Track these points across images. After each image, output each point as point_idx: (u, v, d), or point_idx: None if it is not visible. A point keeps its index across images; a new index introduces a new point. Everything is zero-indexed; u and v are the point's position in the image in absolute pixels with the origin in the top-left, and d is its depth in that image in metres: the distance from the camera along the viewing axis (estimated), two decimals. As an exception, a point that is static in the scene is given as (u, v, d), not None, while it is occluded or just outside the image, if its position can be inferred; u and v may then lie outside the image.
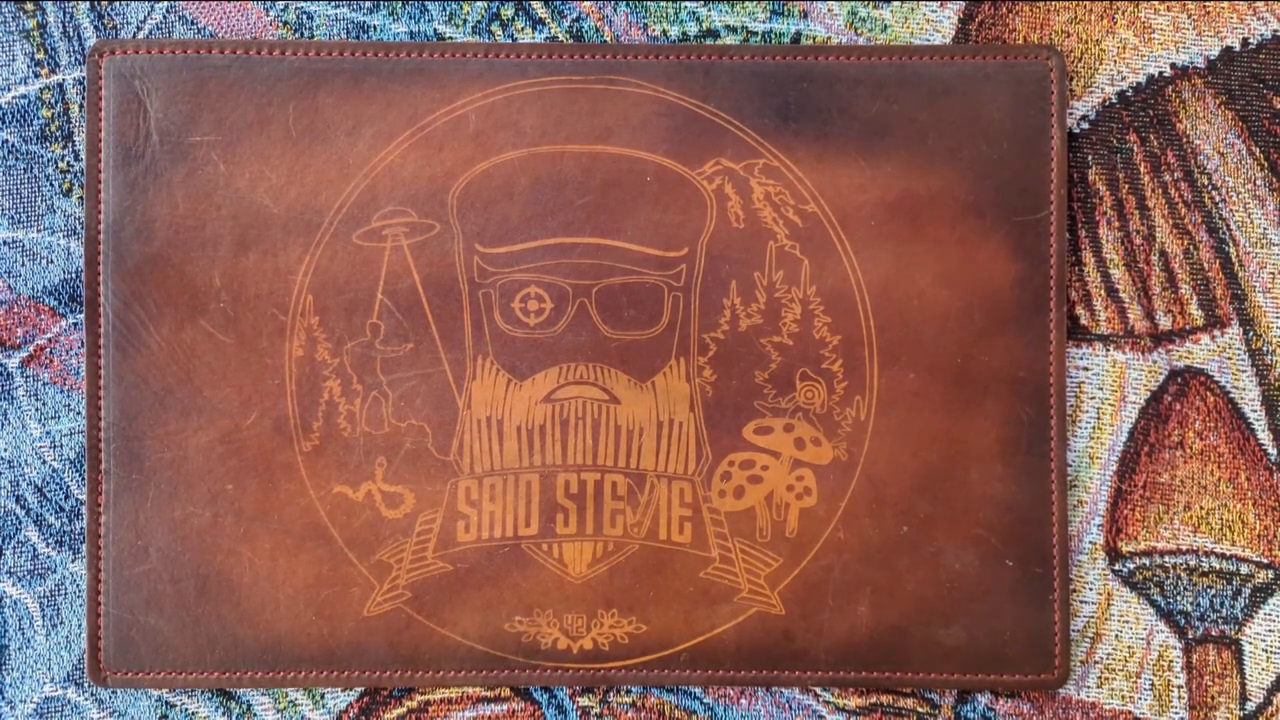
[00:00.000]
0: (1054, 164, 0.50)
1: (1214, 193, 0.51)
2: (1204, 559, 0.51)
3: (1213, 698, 0.51)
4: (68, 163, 0.50)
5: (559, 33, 0.51)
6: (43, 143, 0.50)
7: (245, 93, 0.49)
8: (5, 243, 0.50)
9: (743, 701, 0.50)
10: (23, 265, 0.50)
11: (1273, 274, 0.51)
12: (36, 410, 0.50)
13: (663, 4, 0.51)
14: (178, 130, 0.49)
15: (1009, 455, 0.49)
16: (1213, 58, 0.51)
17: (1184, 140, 0.51)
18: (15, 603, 0.50)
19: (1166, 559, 0.51)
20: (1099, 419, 0.51)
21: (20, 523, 0.50)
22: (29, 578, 0.50)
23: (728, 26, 0.51)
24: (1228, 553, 0.51)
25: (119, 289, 0.49)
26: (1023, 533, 0.49)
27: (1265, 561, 0.51)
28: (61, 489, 0.50)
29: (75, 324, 0.50)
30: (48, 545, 0.50)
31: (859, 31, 0.51)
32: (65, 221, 0.50)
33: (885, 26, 0.51)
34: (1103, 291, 0.51)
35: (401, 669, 0.49)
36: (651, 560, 0.49)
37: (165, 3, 0.50)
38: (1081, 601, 0.50)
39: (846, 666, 0.49)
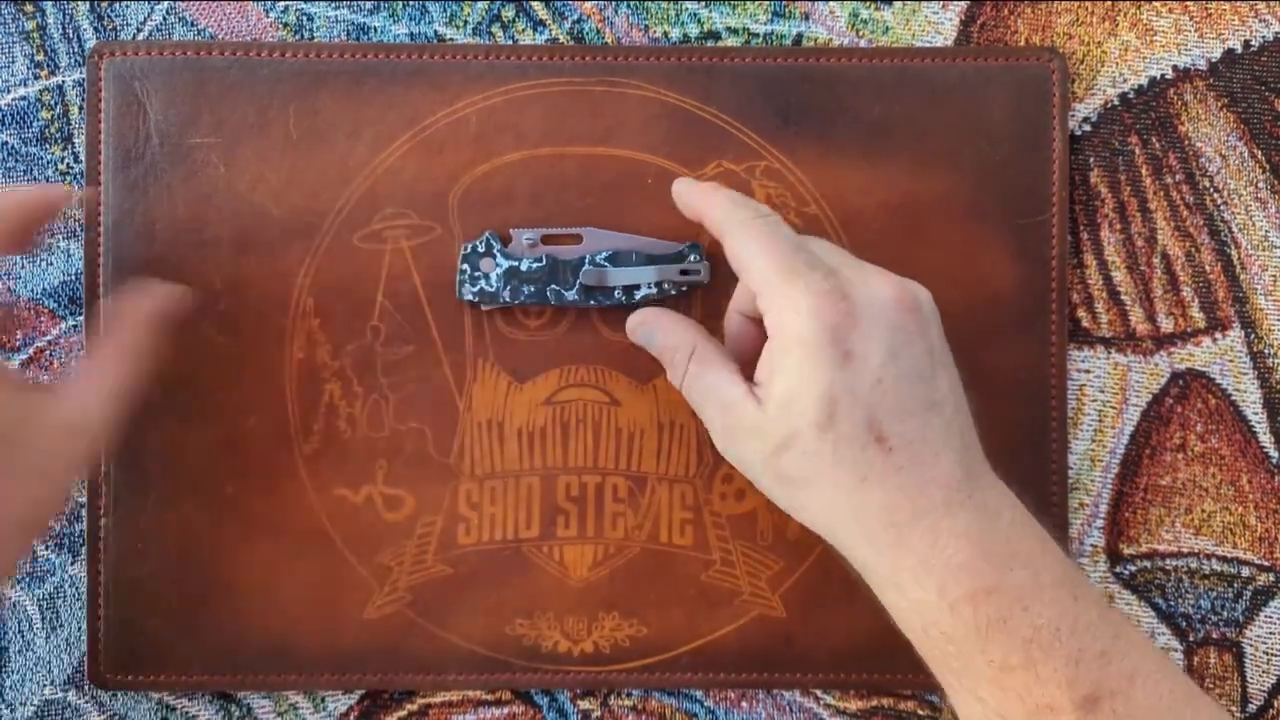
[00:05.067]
0: (1055, 166, 0.50)
1: (1216, 195, 0.51)
2: (1205, 561, 0.51)
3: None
4: (67, 165, 0.50)
5: (560, 34, 0.51)
6: (42, 144, 0.50)
7: (245, 94, 0.49)
8: (5, 245, 0.50)
9: (743, 704, 0.50)
10: (23, 267, 0.50)
11: (1275, 277, 0.51)
12: (36, 412, 0.50)
13: (664, 5, 0.51)
14: (178, 132, 0.49)
15: (1010, 457, 0.49)
16: (1214, 60, 0.51)
17: (1186, 142, 0.51)
18: (15, 605, 0.50)
19: (1168, 562, 0.51)
20: (1100, 421, 0.51)
21: (20, 525, 0.50)
22: (29, 580, 0.50)
23: (729, 28, 0.51)
24: (1229, 555, 0.51)
25: (119, 291, 0.49)
26: (1024, 536, 0.49)
27: (1266, 564, 0.51)
28: (61, 491, 0.50)
29: (75, 326, 0.50)
30: (47, 548, 0.50)
31: (860, 33, 0.51)
32: (65, 223, 0.50)
33: (887, 28, 0.51)
34: (1104, 294, 0.51)
35: (402, 672, 0.49)
36: (652, 563, 0.49)
37: (165, 4, 0.50)
38: (1083, 605, 0.50)
39: (847, 669, 0.49)
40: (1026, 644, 0.37)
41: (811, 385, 0.39)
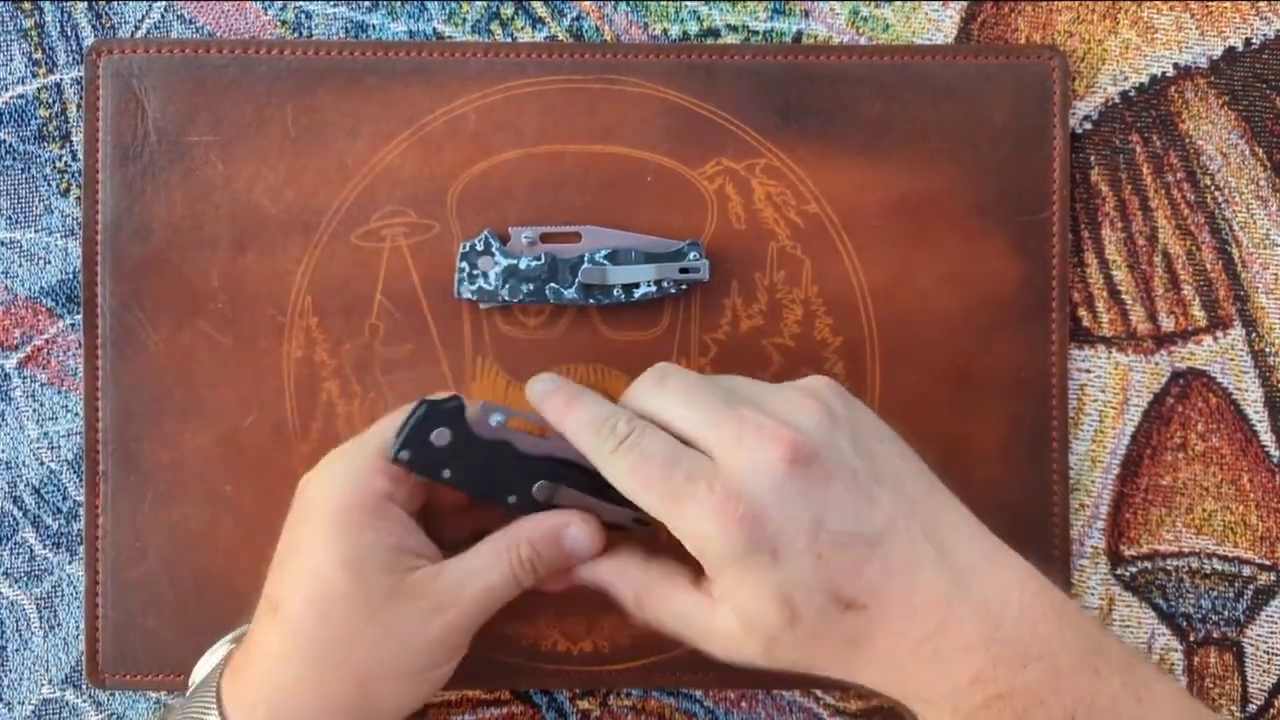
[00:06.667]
0: (1056, 164, 0.50)
1: (1217, 193, 0.51)
2: (1206, 561, 0.50)
3: (1213, 700, 0.50)
4: (65, 163, 0.50)
5: (559, 32, 0.51)
6: (40, 142, 0.50)
7: (243, 92, 0.49)
8: (3, 243, 0.50)
9: (743, 704, 0.50)
10: (20, 265, 0.50)
11: (1275, 275, 0.51)
12: (34, 411, 0.50)
13: (663, 3, 0.51)
14: (176, 130, 0.49)
15: (1010, 458, 0.49)
16: (1215, 58, 0.51)
17: (1187, 141, 0.51)
18: (13, 604, 0.50)
19: (1169, 562, 0.50)
20: (1101, 421, 0.51)
21: (18, 524, 0.50)
22: (26, 579, 0.50)
23: (729, 25, 0.51)
24: (1230, 555, 0.50)
25: (117, 289, 0.48)
26: (1024, 536, 0.49)
27: (1267, 563, 0.50)
28: (59, 490, 0.50)
29: (73, 325, 0.50)
30: (45, 547, 0.50)
31: (861, 31, 0.51)
32: (63, 221, 0.50)
33: (887, 26, 0.51)
34: (1105, 293, 0.51)
35: (400, 671, 0.49)
36: (652, 562, 0.49)
37: (163, 2, 0.50)
38: (1084, 606, 0.50)
39: (847, 669, 0.49)
40: None
41: (760, 598, 0.37)
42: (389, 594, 0.39)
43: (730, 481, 0.37)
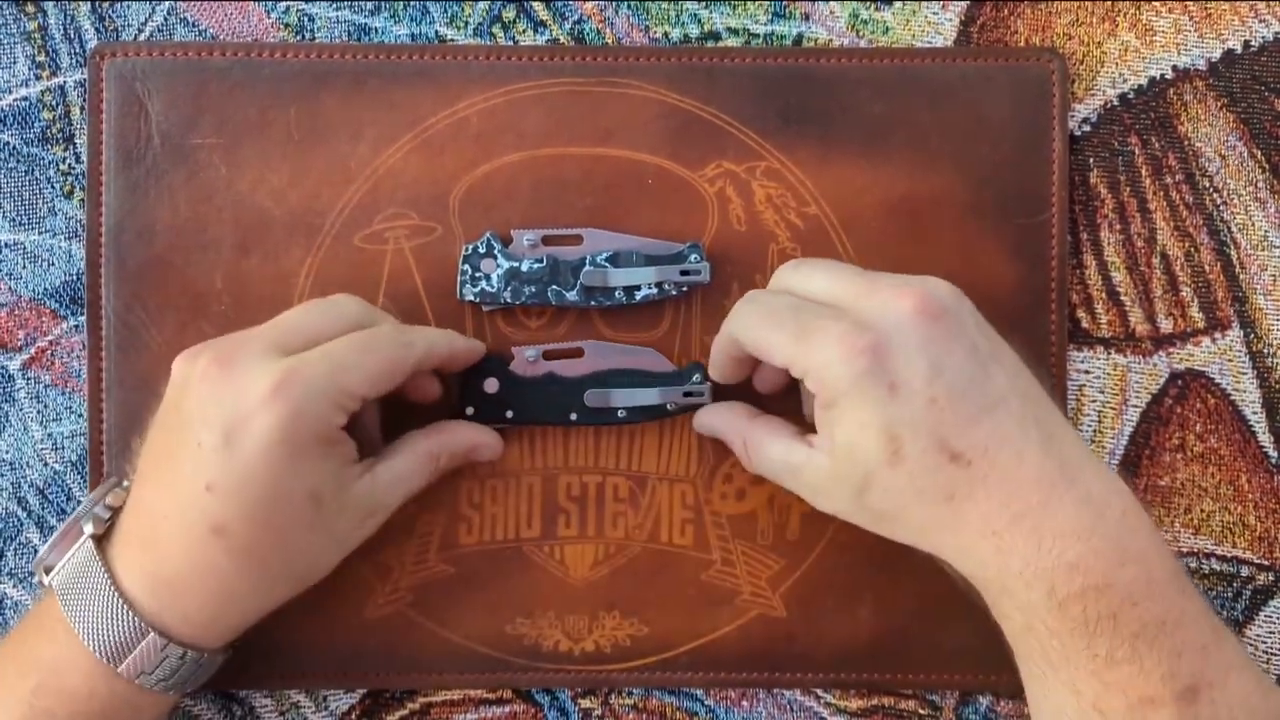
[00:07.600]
0: (1055, 166, 0.50)
1: (1215, 195, 0.51)
2: (1205, 561, 0.51)
3: (1213, 699, 0.51)
4: (69, 165, 0.50)
5: (560, 35, 0.51)
6: (44, 145, 0.50)
7: (247, 95, 0.49)
8: (7, 245, 0.50)
9: (744, 703, 0.50)
10: (24, 267, 0.50)
11: (1274, 276, 0.51)
12: (38, 412, 0.50)
13: (664, 6, 0.51)
14: (179, 133, 0.49)
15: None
16: (1214, 60, 0.51)
17: (1185, 143, 0.51)
18: (17, 605, 0.50)
19: (1167, 561, 0.51)
20: (1100, 422, 0.51)
21: (22, 524, 0.50)
22: (30, 580, 0.50)
23: (729, 29, 0.51)
24: (1228, 555, 0.51)
25: (120, 291, 0.49)
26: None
27: (1265, 563, 0.51)
28: (63, 491, 0.50)
29: (77, 326, 0.50)
30: (49, 547, 0.50)
31: (860, 33, 0.51)
32: (67, 224, 0.50)
33: (887, 29, 0.51)
34: (1104, 294, 0.51)
35: (403, 671, 0.49)
36: (653, 562, 0.49)
37: (166, 4, 0.50)
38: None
39: (848, 668, 0.49)
40: (1133, 638, 0.37)
41: (868, 428, 0.39)
42: (337, 511, 0.43)
43: (858, 317, 0.40)
